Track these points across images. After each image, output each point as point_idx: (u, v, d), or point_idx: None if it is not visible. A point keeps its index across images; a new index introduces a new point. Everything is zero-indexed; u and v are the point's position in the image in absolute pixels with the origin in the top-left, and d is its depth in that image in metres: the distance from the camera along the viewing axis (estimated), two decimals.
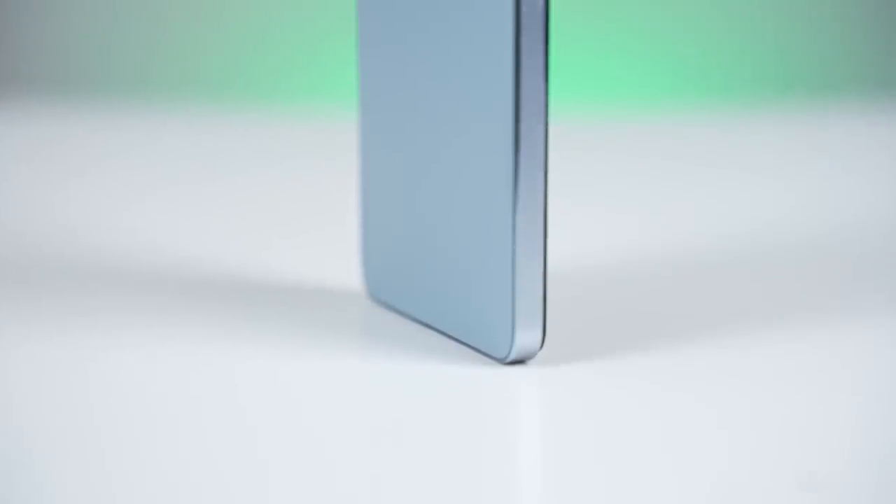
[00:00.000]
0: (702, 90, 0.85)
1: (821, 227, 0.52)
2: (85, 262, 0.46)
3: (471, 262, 0.38)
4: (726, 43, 0.85)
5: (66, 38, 0.86)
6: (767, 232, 0.51)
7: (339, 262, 0.47)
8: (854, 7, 0.85)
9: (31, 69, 0.86)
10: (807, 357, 0.39)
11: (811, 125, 0.76)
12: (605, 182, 0.61)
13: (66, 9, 0.86)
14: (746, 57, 0.85)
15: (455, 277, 0.38)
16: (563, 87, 0.82)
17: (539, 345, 0.37)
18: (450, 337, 0.40)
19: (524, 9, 0.35)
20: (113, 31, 0.86)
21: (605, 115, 0.81)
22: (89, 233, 0.50)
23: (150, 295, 0.42)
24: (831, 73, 0.85)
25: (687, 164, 0.65)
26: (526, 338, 0.37)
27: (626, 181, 0.61)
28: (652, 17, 0.84)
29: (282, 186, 0.60)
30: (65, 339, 0.40)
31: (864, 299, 0.43)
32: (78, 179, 0.60)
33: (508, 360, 0.38)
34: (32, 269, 0.46)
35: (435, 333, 0.40)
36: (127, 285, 0.44)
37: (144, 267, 0.46)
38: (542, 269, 0.36)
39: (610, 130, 0.75)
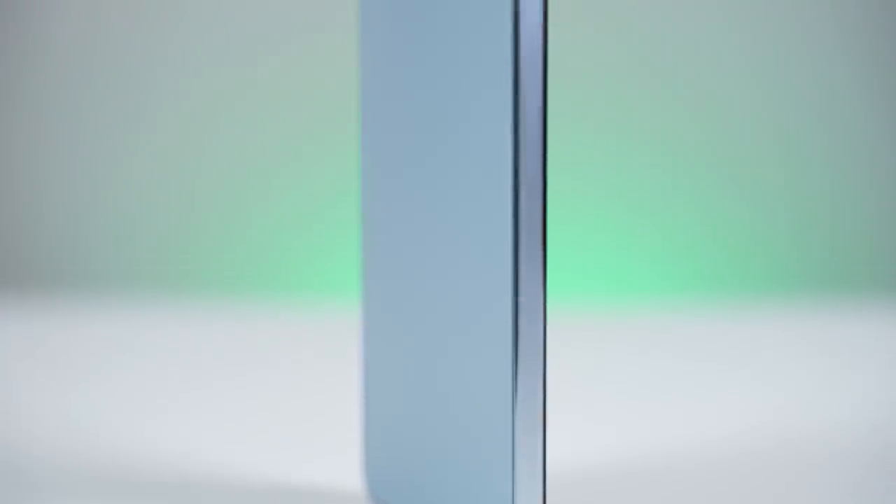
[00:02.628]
0: (713, 284, 0.86)
1: (833, 427, 0.52)
2: (77, 467, 0.46)
3: (473, 467, 0.38)
4: (736, 237, 0.86)
5: (66, 233, 0.88)
6: (775, 433, 0.51)
7: (341, 463, 0.47)
8: (869, 204, 0.85)
9: (22, 266, 0.87)
10: None
11: (826, 322, 0.76)
12: (610, 378, 0.61)
13: (67, 205, 0.88)
14: (757, 251, 0.86)
15: (457, 477, 0.39)
16: (568, 282, 0.84)
17: None
18: None
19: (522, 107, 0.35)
20: (111, 227, 0.88)
21: (610, 309, 0.82)
22: (86, 438, 0.50)
23: (146, 500, 0.43)
24: (848, 269, 0.86)
25: (695, 359, 0.65)
26: None
27: (631, 377, 0.61)
28: (665, 212, 0.86)
29: (281, 384, 0.60)
30: None
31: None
32: (69, 379, 0.61)
33: None
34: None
35: None
36: (111, 491, 0.43)
37: (138, 471, 0.46)
38: (541, 481, 0.36)
39: (615, 324, 0.76)
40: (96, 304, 0.83)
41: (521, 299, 0.36)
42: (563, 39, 0.82)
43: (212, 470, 0.46)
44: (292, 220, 0.87)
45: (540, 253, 0.36)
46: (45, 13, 0.86)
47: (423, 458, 0.40)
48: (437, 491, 0.39)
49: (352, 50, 0.80)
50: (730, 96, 0.85)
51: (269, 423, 0.53)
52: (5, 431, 0.51)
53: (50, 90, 0.87)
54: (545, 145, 0.36)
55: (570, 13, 0.84)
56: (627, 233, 0.86)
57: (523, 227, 0.36)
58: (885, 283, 0.85)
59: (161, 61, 0.86)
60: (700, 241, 0.86)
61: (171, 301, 0.85)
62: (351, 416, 0.53)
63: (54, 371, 0.62)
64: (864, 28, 0.85)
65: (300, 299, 0.86)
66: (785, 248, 0.86)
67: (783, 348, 0.68)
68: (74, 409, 0.54)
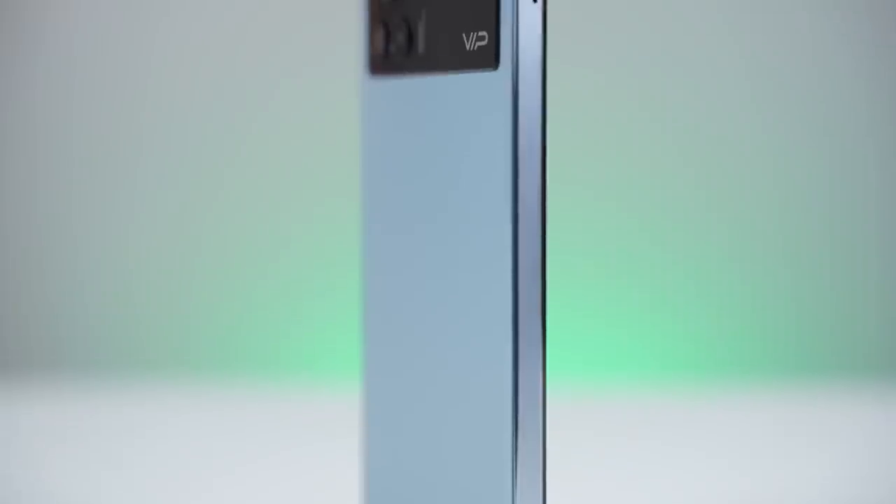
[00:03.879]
0: (710, 366, 0.86)
1: None
2: None
3: None
4: (731, 319, 0.86)
5: (59, 314, 0.88)
6: None
7: None
8: (870, 290, 0.86)
9: (15, 348, 0.87)
10: None
11: (823, 405, 0.76)
12: (607, 460, 0.62)
13: (60, 286, 0.88)
14: (755, 334, 0.86)
15: None
16: (567, 361, 0.84)
17: None
18: None
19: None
20: (106, 307, 0.88)
21: (609, 388, 0.82)
22: None
23: None
24: (848, 352, 0.86)
25: (693, 444, 0.65)
26: None
27: (629, 458, 0.62)
28: (664, 293, 0.86)
29: (282, 472, 0.60)
30: None
31: None
32: (69, 463, 0.60)
33: None
34: None
35: None
36: None
37: None
38: None
39: (614, 403, 0.76)
40: (88, 385, 0.83)
41: (521, 376, 0.36)
42: (561, 114, 0.83)
43: None
44: (292, 301, 0.87)
45: (539, 335, 0.36)
46: (32, 74, 0.87)
47: None
48: None
49: (353, 126, 0.80)
50: (728, 178, 0.86)
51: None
52: None
53: (42, 171, 0.87)
54: (544, 230, 0.36)
55: (568, 88, 0.84)
56: (626, 313, 0.86)
57: (523, 310, 0.36)
58: (883, 366, 0.85)
59: (153, 132, 0.87)
60: (699, 321, 0.86)
61: (169, 382, 0.85)
62: (352, 496, 0.53)
63: (49, 454, 0.62)
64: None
65: (300, 379, 0.86)
66: (784, 330, 0.86)
67: (778, 433, 0.68)
68: (77, 493, 0.54)
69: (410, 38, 0.40)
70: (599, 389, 0.82)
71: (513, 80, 0.35)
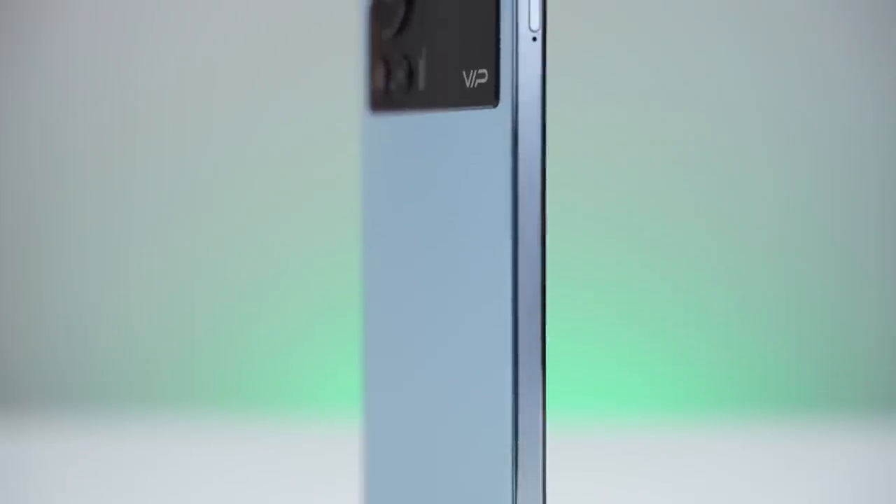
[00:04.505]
0: (711, 401, 0.86)
1: None
2: None
3: None
4: (729, 355, 0.86)
5: (55, 350, 0.88)
6: None
7: None
8: (871, 330, 0.86)
9: (11, 383, 0.88)
10: None
11: (818, 443, 0.76)
12: (605, 497, 0.62)
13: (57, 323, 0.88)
14: (753, 370, 0.86)
15: None
16: (566, 398, 0.84)
17: None
18: None
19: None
20: (105, 341, 0.88)
21: (609, 425, 0.83)
22: None
23: None
24: (841, 390, 0.86)
25: (690, 480, 0.65)
26: None
27: (624, 495, 0.62)
28: (662, 329, 0.86)
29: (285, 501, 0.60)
30: None
31: None
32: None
33: None
34: None
35: None
36: None
37: None
38: None
39: (615, 440, 0.76)
40: (89, 421, 0.82)
41: (521, 413, 0.36)
42: (561, 150, 0.83)
43: None
44: (292, 335, 0.87)
45: (539, 372, 0.36)
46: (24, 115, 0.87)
47: None
48: None
49: (353, 162, 0.81)
50: (726, 218, 0.86)
51: None
52: None
53: (40, 203, 0.87)
54: (544, 266, 0.36)
55: (568, 123, 0.84)
56: (627, 350, 0.86)
57: (523, 348, 0.36)
58: (882, 404, 0.85)
59: (157, 168, 0.87)
60: (699, 358, 0.86)
61: (169, 417, 0.85)
62: None
63: (48, 488, 0.62)
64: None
65: (300, 414, 0.86)
66: (781, 367, 0.86)
67: (776, 468, 0.68)
68: None
69: (411, 74, 0.40)
70: (597, 425, 0.81)
71: (513, 116, 0.35)
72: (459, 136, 0.38)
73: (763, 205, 0.85)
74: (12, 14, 0.86)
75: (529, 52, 0.35)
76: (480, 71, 0.36)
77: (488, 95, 0.36)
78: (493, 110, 0.36)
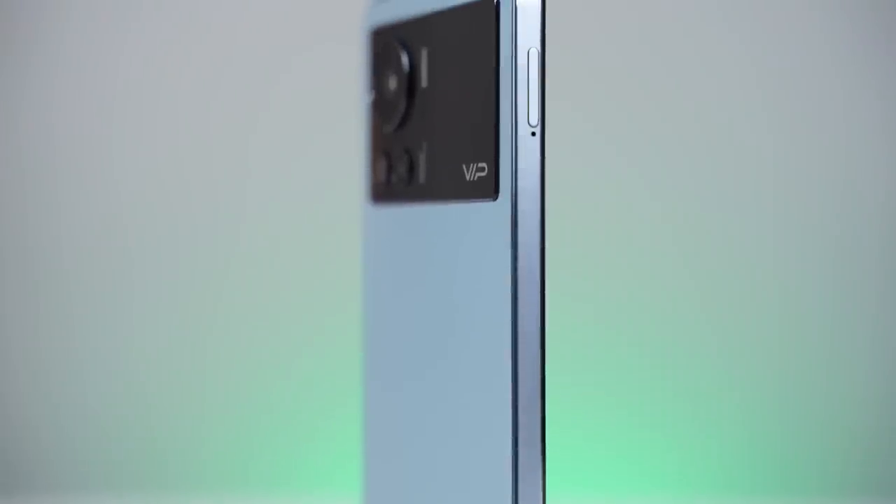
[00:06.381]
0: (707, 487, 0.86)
1: None
2: None
3: None
4: (726, 441, 0.86)
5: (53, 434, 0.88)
6: None
7: None
8: (862, 410, 0.86)
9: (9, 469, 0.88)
10: None
11: None
12: None
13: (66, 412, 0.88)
14: (749, 454, 0.86)
15: None
16: (566, 488, 0.84)
17: None
18: None
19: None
20: (105, 426, 0.88)
21: None
22: None
23: None
24: (836, 474, 0.86)
25: None
26: None
27: None
28: (661, 416, 0.86)
29: None
30: None
31: None
32: None
33: None
34: None
35: None
36: None
37: None
38: None
39: None
40: None
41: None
42: (560, 242, 0.83)
43: None
44: (291, 428, 0.87)
45: (539, 464, 0.36)
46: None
47: None
48: None
49: (354, 254, 0.81)
50: (719, 301, 0.86)
51: None
52: None
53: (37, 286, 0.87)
54: (544, 358, 0.36)
55: (567, 216, 0.85)
56: (625, 437, 0.86)
57: (522, 441, 0.36)
58: (878, 488, 0.85)
59: (159, 264, 0.87)
60: (699, 445, 0.86)
61: (167, 501, 0.85)
62: None
63: None
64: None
65: (299, 498, 0.85)
66: (777, 451, 0.86)
67: None
68: None
69: (411, 167, 0.40)
70: None
71: (512, 210, 0.36)
72: (459, 228, 0.38)
73: (759, 293, 0.86)
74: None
75: (529, 147, 0.36)
76: (480, 164, 0.37)
77: (488, 189, 0.37)
78: (493, 203, 0.36)
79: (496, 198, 0.36)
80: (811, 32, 0.85)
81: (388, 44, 0.41)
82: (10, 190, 0.87)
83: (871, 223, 0.85)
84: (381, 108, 0.42)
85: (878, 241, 0.85)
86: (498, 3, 0.36)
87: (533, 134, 0.36)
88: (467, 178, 0.37)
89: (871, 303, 0.85)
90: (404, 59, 0.40)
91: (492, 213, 0.36)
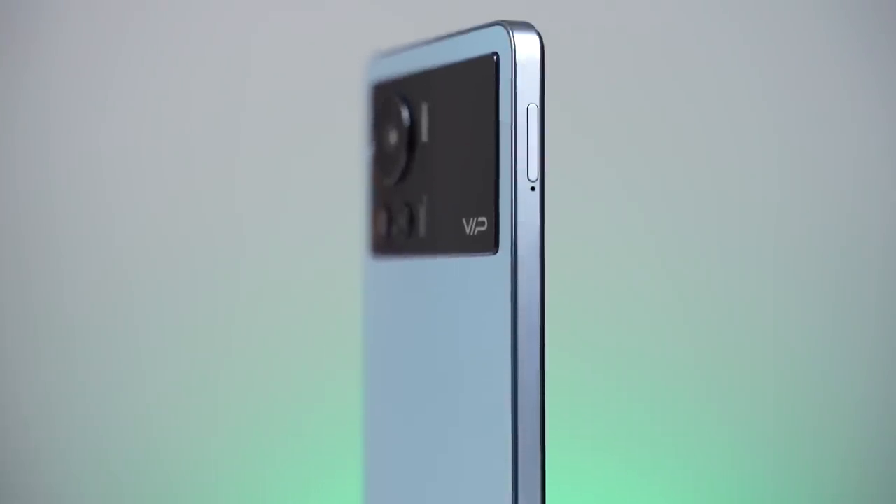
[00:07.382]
0: None
1: None
2: None
3: None
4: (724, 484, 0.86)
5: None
6: None
7: None
8: (869, 450, 0.86)
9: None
10: None
11: None
12: None
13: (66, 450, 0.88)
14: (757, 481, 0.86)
15: None
16: None
17: None
18: None
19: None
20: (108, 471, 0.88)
21: None
22: None
23: None
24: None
25: None
26: None
27: None
28: (665, 462, 0.86)
29: None
30: None
31: None
32: None
33: None
34: None
35: None
36: None
37: None
38: None
39: None
40: None
41: None
42: (559, 294, 0.83)
43: None
44: (288, 480, 0.87)
45: None
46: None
47: None
48: None
49: (355, 307, 0.81)
50: (717, 338, 0.86)
51: None
52: None
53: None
54: (543, 411, 0.36)
55: (565, 267, 0.85)
56: (626, 489, 0.85)
57: (522, 492, 0.36)
58: None
59: (161, 298, 0.87)
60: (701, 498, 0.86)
61: None
62: None
63: None
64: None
65: None
66: (777, 484, 0.86)
67: None
68: None
69: (412, 221, 0.40)
70: None
71: (512, 264, 0.36)
72: (460, 281, 0.38)
73: (757, 328, 0.86)
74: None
75: (528, 201, 0.36)
76: (480, 219, 0.37)
77: (488, 243, 0.37)
78: (493, 257, 0.37)
79: (496, 252, 0.36)
80: (812, 35, 0.85)
81: (388, 98, 0.42)
82: (9, 193, 0.87)
83: (872, 235, 0.85)
84: (381, 161, 0.42)
85: (881, 243, 0.85)
86: (498, 59, 0.37)
87: (532, 189, 0.36)
88: (467, 231, 0.38)
89: (872, 353, 0.85)
90: (405, 114, 0.41)
91: (492, 267, 0.37)
